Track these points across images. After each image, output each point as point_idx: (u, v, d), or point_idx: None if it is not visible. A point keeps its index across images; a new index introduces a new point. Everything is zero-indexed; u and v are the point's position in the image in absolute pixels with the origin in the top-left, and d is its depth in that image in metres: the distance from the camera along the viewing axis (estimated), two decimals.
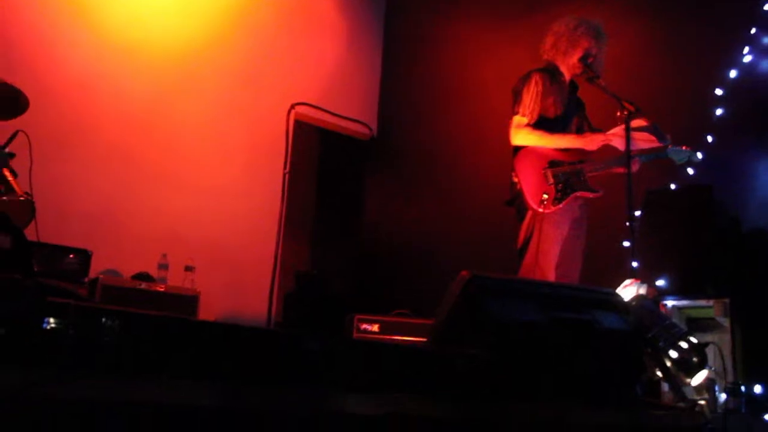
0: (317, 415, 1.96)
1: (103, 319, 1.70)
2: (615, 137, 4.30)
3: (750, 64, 5.09)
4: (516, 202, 4.33)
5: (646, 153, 4.32)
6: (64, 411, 1.53)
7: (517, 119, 4.38)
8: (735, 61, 5.12)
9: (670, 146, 4.31)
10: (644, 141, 4.27)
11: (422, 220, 6.47)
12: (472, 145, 6.47)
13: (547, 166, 4.30)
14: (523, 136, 4.36)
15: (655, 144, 4.29)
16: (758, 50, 5.09)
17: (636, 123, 4.21)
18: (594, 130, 4.56)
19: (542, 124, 4.36)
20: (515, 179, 4.31)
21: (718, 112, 5.04)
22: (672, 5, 5.51)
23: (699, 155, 4.40)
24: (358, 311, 5.40)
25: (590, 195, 4.35)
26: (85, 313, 1.73)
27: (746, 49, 5.10)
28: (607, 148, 4.42)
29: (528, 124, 4.35)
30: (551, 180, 4.26)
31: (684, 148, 4.33)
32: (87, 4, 6.04)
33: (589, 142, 4.39)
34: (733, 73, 5.09)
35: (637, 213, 4.33)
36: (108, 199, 5.87)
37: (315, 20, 7.39)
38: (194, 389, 1.74)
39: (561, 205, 4.22)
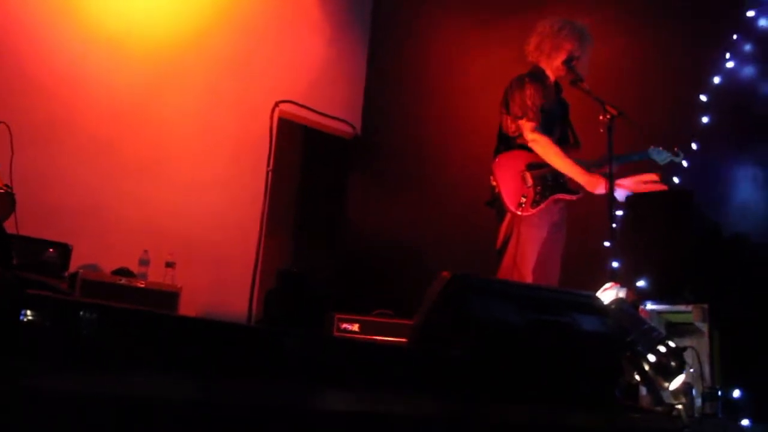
0: (295, 412, 1.96)
1: (81, 312, 1.69)
2: (622, 187, 4.22)
3: (732, 70, 5.13)
4: (496, 204, 4.34)
5: (627, 156, 4.33)
6: (38, 403, 1.51)
7: (526, 124, 4.32)
8: (718, 67, 5.16)
9: (651, 147, 4.32)
10: (651, 184, 4.26)
11: (405, 219, 6.48)
12: (455, 144, 6.49)
13: (525, 168, 4.30)
14: (544, 145, 4.29)
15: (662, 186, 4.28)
16: (740, 57, 5.13)
17: (647, 177, 4.22)
18: (575, 135, 4.57)
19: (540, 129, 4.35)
20: (494, 182, 4.31)
21: (703, 119, 5.07)
22: (656, 11, 5.54)
23: (681, 157, 4.40)
24: (339, 310, 5.39)
25: (570, 197, 4.36)
26: (63, 305, 1.72)
27: (728, 56, 5.14)
28: (587, 150, 4.44)
29: (537, 128, 4.31)
30: (530, 182, 4.26)
31: (666, 149, 4.33)
32: None
33: (593, 184, 4.27)
34: (716, 80, 5.13)
35: (619, 214, 4.35)
36: (90, 192, 5.83)
37: (300, 18, 7.39)
38: (172, 384, 1.73)
39: (540, 207, 4.23)
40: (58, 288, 4.17)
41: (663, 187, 4.29)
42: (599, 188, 4.20)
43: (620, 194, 4.20)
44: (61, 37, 5.92)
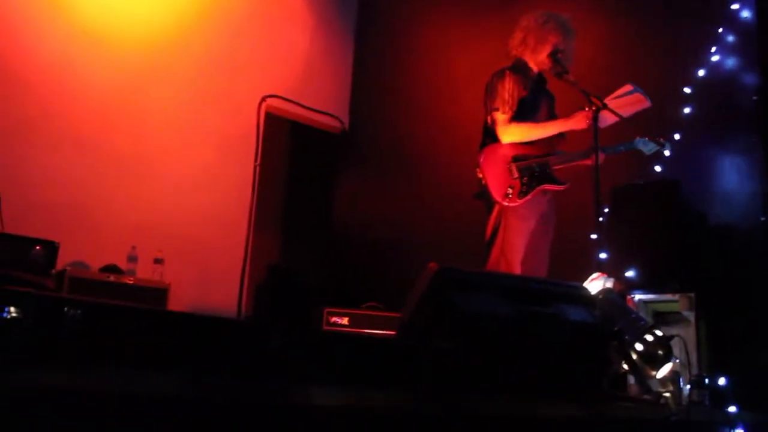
0: (283, 406, 1.96)
1: (65, 309, 1.68)
2: (607, 115, 4.22)
3: (717, 63, 5.15)
4: (484, 196, 4.35)
5: (613, 146, 4.34)
6: (22, 400, 1.51)
7: (499, 116, 4.35)
8: (703, 60, 5.18)
9: (637, 137, 4.34)
10: (633, 105, 4.28)
11: (393, 212, 6.47)
12: (443, 138, 6.49)
13: (511, 160, 4.31)
14: (512, 132, 4.33)
15: (645, 103, 4.29)
16: (725, 49, 5.15)
17: (622, 90, 4.24)
18: None
19: (519, 119, 4.37)
20: (480, 175, 4.32)
21: (687, 110, 5.09)
22: (641, 3, 5.55)
23: (667, 146, 4.41)
24: (328, 304, 5.39)
25: (556, 188, 4.37)
26: (47, 302, 1.71)
27: (713, 49, 5.16)
28: (572, 140, 4.45)
29: (510, 120, 4.35)
30: (516, 174, 4.28)
31: (652, 139, 4.35)
32: None
33: (579, 121, 4.29)
34: (701, 72, 5.15)
35: (605, 208, 4.36)
36: (76, 189, 5.81)
37: (287, 12, 7.38)
38: (158, 379, 1.73)
39: (527, 198, 4.24)
40: (44, 285, 4.16)
41: (647, 104, 4.30)
42: (585, 121, 4.24)
43: (606, 121, 4.23)
44: (44, 32, 5.88)
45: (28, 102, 5.68)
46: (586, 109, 4.17)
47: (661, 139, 4.38)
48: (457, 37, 6.70)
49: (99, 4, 6.17)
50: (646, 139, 4.35)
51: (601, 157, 4.09)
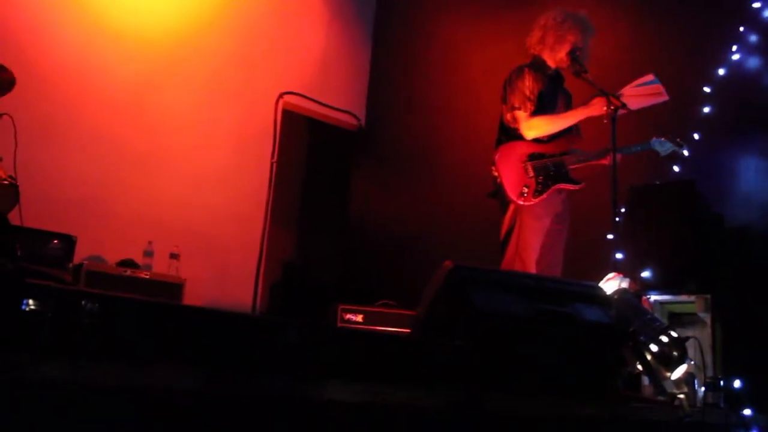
0: (298, 401, 1.96)
1: (83, 302, 1.69)
2: (626, 97, 4.23)
3: (738, 62, 5.11)
4: (498, 195, 4.34)
5: (628, 147, 4.32)
6: (40, 393, 1.52)
7: (521, 114, 4.35)
8: (723, 59, 5.14)
9: (653, 138, 4.32)
10: (651, 96, 4.26)
11: (409, 210, 6.48)
12: (459, 136, 6.48)
13: (527, 159, 4.31)
14: (535, 125, 4.33)
15: (663, 96, 4.27)
16: (746, 48, 5.10)
17: (644, 79, 4.23)
18: (578, 125, 4.56)
19: (538, 113, 4.36)
20: (495, 173, 4.32)
21: (706, 109, 5.06)
22: (661, 2, 5.52)
23: (683, 147, 4.39)
24: (343, 301, 5.40)
25: (572, 187, 4.36)
26: (65, 295, 1.73)
27: (734, 48, 5.12)
28: (589, 141, 4.44)
29: (532, 114, 4.34)
30: (531, 173, 4.27)
31: (669, 140, 4.32)
32: None
33: (598, 107, 4.26)
34: (721, 71, 5.11)
35: (622, 209, 4.34)
36: (94, 184, 5.85)
37: (304, 9, 7.39)
38: (174, 373, 1.74)
39: (542, 197, 4.23)
40: (62, 279, 4.20)
41: (664, 98, 4.28)
42: (602, 106, 4.20)
43: (631, 102, 4.22)
44: (64, 28, 5.92)
45: (48, 99, 5.72)
46: (606, 109, 4.14)
47: (678, 140, 4.36)
48: (475, 34, 6.69)
49: (117, 4, 6.20)
50: (663, 139, 4.32)
51: (617, 157, 4.07)
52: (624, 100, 4.18)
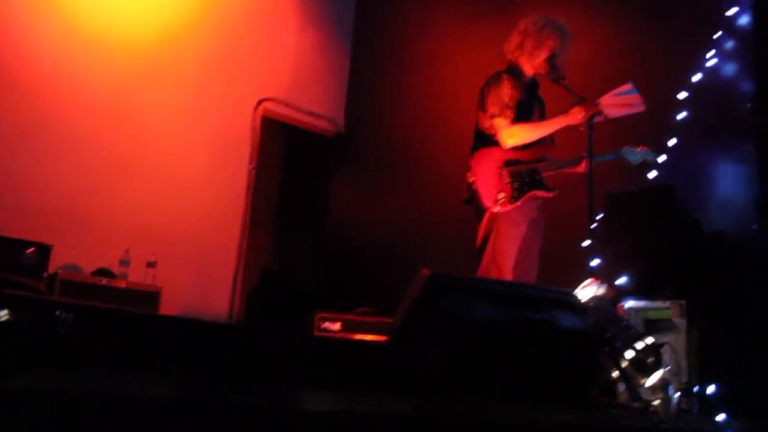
0: (274, 411, 1.96)
1: (57, 312, 1.68)
2: (604, 105, 4.23)
3: (714, 67, 5.16)
4: (474, 202, 4.35)
5: (600, 155, 4.33)
6: (15, 402, 1.51)
7: (500, 121, 4.35)
8: (699, 64, 5.19)
9: (625, 147, 4.35)
10: (627, 106, 4.28)
11: (387, 217, 6.48)
12: (438, 143, 6.49)
13: (502, 165, 4.32)
14: (515, 133, 4.34)
15: (640, 107, 4.27)
16: (722, 54, 5.15)
17: (622, 88, 4.25)
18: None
19: (516, 121, 4.38)
20: (471, 179, 4.33)
21: (681, 115, 5.10)
22: (638, 8, 5.56)
23: (655, 156, 4.41)
24: (322, 308, 5.39)
25: (546, 194, 4.38)
26: (39, 305, 1.72)
27: (711, 54, 5.16)
28: (562, 147, 4.46)
29: (512, 123, 4.35)
30: (507, 179, 4.29)
31: (639, 148, 4.35)
32: None
33: (575, 116, 4.26)
34: (696, 77, 5.16)
35: (599, 216, 4.36)
36: (70, 191, 5.80)
37: (283, 15, 7.38)
38: (148, 383, 1.73)
39: (517, 204, 4.25)
40: (36, 288, 4.16)
41: (641, 108, 4.30)
42: (581, 114, 4.21)
43: (610, 111, 4.23)
44: (41, 33, 5.88)
45: (23, 105, 5.67)
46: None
47: (647, 149, 4.38)
48: (454, 40, 6.71)
49: (97, 7, 6.16)
50: (634, 149, 4.35)
51: (587, 164, 4.08)
52: (601, 108, 4.20)
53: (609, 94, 4.27)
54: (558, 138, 4.52)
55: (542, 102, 4.67)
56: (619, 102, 4.27)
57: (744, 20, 5.12)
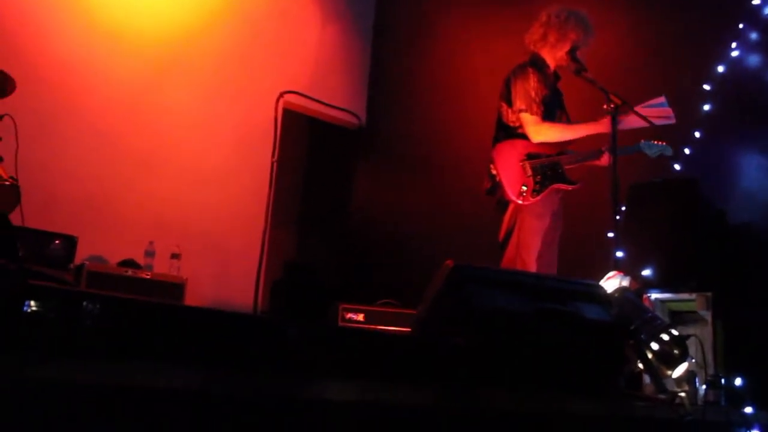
0: (298, 401, 1.97)
1: (84, 303, 1.70)
2: (628, 120, 4.23)
3: (738, 59, 5.10)
4: (497, 194, 4.34)
5: (619, 148, 4.29)
6: (42, 394, 1.53)
7: (528, 116, 4.34)
8: (723, 56, 5.14)
9: (642, 140, 4.33)
10: (659, 117, 4.25)
11: (410, 209, 6.47)
12: (460, 135, 6.47)
13: (524, 158, 4.31)
14: (545, 132, 4.34)
15: (670, 120, 4.27)
16: (746, 45, 5.10)
17: (655, 100, 4.24)
18: (571, 122, 4.56)
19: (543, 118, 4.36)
20: (494, 171, 4.32)
21: (706, 107, 5.06)
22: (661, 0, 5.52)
23: (672, 150, 4.40)
24: (344, 300, 5.39)
25: (568, 187, 4.37)
26: (67, 296, 1.73)
27: (734, 45, 5.11)
28: (586, 140, 4.44)
29: (542, 119, 4.34)
30: (529, 172, 4.28)
31: (657, 142, 4.33)
32: None
33: (607, 125, 4.17)
34: (720, 68, 5.11)
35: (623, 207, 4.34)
36: (95, 184, 5.84)
37: (304, 8, 7.38)
38: (174, 373, 1.74)
39: (540, 197, 4.24)
40: (63, 279, 4.20)
41: (671, 121, 4.28)
42: (607, 125, 4.15)
43: (630, 124, 4.23)
44: (64, 26, 5.91)
45: (48, 98, 5.71)
46: (605, 107, 4.11)
47: (664, 143, 4.36)
48: (476, 32, 6.68)
49: (118, 3, 6.19)
50: (652, 142, 4.33)
51: (610, 158, 4.05)
52: (630, 118, 4.17)
53: (641, 105, 4.24)
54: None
55: (560, 93, 4.64)
56: (651, 114, 4.24)
57: None
